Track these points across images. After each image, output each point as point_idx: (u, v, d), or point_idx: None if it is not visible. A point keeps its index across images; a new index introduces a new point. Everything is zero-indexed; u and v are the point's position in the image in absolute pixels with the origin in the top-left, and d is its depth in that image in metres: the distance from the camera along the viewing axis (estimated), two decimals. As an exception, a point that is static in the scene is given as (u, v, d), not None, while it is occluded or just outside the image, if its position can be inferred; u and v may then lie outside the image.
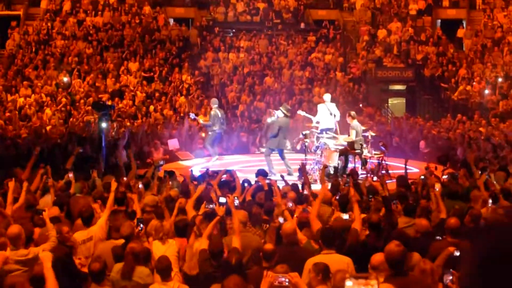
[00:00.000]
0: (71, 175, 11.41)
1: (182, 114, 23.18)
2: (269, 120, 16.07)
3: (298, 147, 17.28)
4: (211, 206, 8.04)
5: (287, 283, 4.97)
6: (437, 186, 9.53)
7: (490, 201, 9.31)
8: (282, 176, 12.46)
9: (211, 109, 18.88)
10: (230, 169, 13.29)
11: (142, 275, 6.67)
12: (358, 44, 28.91)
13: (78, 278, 6.64)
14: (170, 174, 12.56)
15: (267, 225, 8.36)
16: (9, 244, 7.01)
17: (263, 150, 19.54)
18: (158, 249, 7.44)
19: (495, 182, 11.19)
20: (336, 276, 5.69)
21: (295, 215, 8.29)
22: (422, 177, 12.12)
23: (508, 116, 22.24)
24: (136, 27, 28.08)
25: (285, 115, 15.94)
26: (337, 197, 9.99)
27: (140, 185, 10.68)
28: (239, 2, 30.54)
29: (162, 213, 8.78)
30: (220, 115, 18.31)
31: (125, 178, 11.65)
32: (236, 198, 9.11)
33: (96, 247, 7.69)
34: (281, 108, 16.35)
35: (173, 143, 20.24)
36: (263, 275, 5.17)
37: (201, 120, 19.62)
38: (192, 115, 20.57)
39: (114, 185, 8.60)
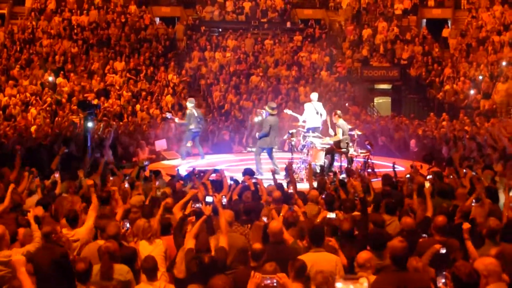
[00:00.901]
0: (57, 175, 11.35)
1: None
2: (256, 119, 16.03)
3: (286, 148, 17.28)
4: (197, 205, 8.00)
5: (274, 284, 4.92)
6: (427, 184, 9.54)
7: (474, 200, 9.35)
8: (273, 174, 12.40)
9: (187, 108, 18.81)
10: (218, 169, 13.27)
11: (122, 272, 6.61)
12: (344, 44, 28.97)
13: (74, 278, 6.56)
14: (156, 173, 12.51)
15: (249, 225, 8.34)
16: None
17: (251, 149, 19.53)
18: (145, 249, 7.40)
19: (482, 179, 11.25)
20: (317, 277, 5.68)
21: (280, 214, 8.25)
22: (408, 175, 12.16)
23: (492, 115, 22.36)
24: (122, 26, 27.98)
25: (272, 114, 15.93)
26: (323, 196, 9.98)
27: (126, 185, 10.64)
28: (227, 1, 30.53)
29: (149, 213, 8.74)
30: (196, 114, 18.24)
31: (111, 178, 11.63)
32: (223, 197, 9.09)
33: (81, 249, 7.64)
34: (266, 107, 16.32)
35: (160, 144, 20.17)
36: (249, 275, 5.14)
37: (176, 119, 19.54)
38: (168, 115, 20.51)
39: (90, 184, 8.55)
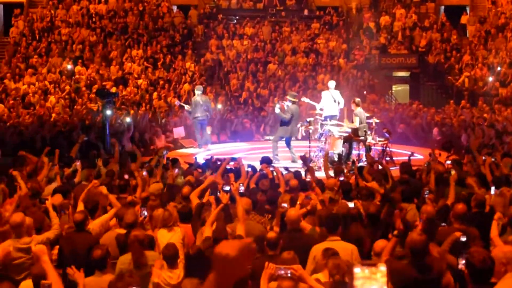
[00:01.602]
0: (78, 163, 11.39)
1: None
2: (276, 110, 16.00)
3: (300, 136, 17.24)
4: (216, 193, 8.02)
5: (289, 275, 4.82)
6: (452, 172, 9.51)
7: (493, 187, 9.26)
8: (286, 168, 12.42)
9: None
10: (235, 157, 13.26)
11: (155, 258, 6.64)
12: (361, 31, 28.77)
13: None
14: (174, 161, 12.54)
15: (270, 215, 8.31)
16: (12, 232, 6.99)
17: (268, 138, 19.50)
18: (164, 236, 7.42)
19: (501, 166, 11.17)
20: (329, 264, 5.66)
21: (298, 202, 8.23)
22: (426, 163, 12.09)
23: (511, 102, 22.15)
24: (140, 14, 27.99)
25: (293, 102, 15.92)
26: (341, 185, 9.94)
27: (145, 173, 10.66)
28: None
29: (167, 201, 8.76)
30: (202, 102, 18.21)
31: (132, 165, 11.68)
32: (241, 185, 9.08)
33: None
34: (288, 96, 16.33)
35: (178, 131, 20.21)
36: (264, 264, 5.09)
37: (186, 106, 19.53)
38: (177, 102, 20.51)
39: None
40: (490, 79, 24.22)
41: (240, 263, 2.48)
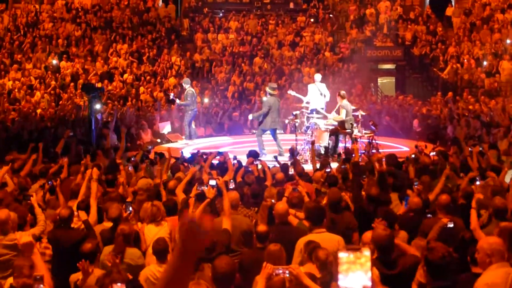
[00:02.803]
0: (65, 159, 11.33)
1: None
2: (250, 117, 16.22)
3: (280, 128, 17.27)
4: (202, 188, 8.00)
5: (287, 275, 4.91)
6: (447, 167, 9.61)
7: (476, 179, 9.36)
8: (275, 157, 12.43)
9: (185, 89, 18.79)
10: (221, 151, 13.25)
11: (133, 257, 6.63)
12: (347, 24, 28.79)
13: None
14: (161, 156, 12.52)
15: (256, 208, 8.32)
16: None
17: (255, 132, 19.51)
18: (150, 231, 7.41)
19: (487, 157, 11.26)
20: (318, 254, 5.67)
21: (285, 196, 8.24)
22: (413, 155, 12.15)
23: (496, 94, 22.26)
24: (125, 9, 27.86)
25: (272, 94, 15.85)
26: (327, 177, 9.97)
27: (130, 168, 10.63)
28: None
29: (154, 196, 8.74)
30: (195, 94, 18.34)
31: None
32: (231, 181, 9.10)
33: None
34: (267, 88, 16.28)
35: (164, 126, 20.19)
36: (254, 257, 5.12)
37: (178, 100, 19.51)
38: (171, 95, 20.50)
39: (95, 173, 8.51)
40: (485, 63, 24.23)
41: (199, 238, 2.50)
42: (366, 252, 2.37)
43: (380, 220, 6.35)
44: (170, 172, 10.95)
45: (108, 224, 7.45)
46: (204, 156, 12.48)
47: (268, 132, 16.05)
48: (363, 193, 8.42)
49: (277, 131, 16.29)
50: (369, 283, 2.34)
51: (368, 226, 6.70)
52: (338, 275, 2.35)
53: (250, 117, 16.75)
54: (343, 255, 2.36)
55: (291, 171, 10.71)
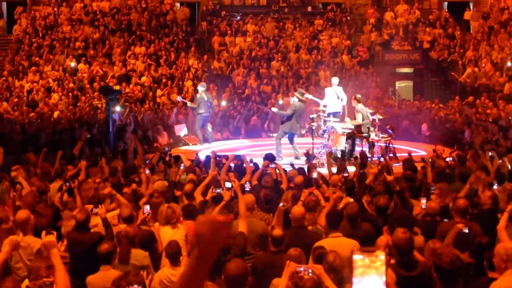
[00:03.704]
0: (83, 162, 11.37)
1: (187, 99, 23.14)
2: (273, 109, 16.19)
3: (303, 131, 17.23)
4: (218, 190, 8.03)
5: (310, 274, 4.94)
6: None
7: (495, 183, 9.31)
8: (292, 164, 12.43)
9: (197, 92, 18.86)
10: (239, 154, 13.27)
11: (138, 258, 6.67)
12: (364, 27, 28.74)
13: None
14: (176, 159, 12.57)
15: (271, 214, 8.30)
16: (17, 229, 7.01)
17: (272, 135, 19.53)
18: (167, 233, 7.44)
19: (508, 165, 11.20)
20: (328, 257, 5.67)
21: (301, 199, 8.25)
22: (430, 159, 12.10)
23: (515, 98, 22.13)
24: (142, 12, 27.99)
25: (300, 100, 15.90)
26: (344, 182, 9.95)
27: (147, 171, 10.68)
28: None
29: (170, 198, 8.78)
30: (206, 99, 18.34)
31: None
32: (248, 182, 9.12)
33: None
34: (296, 93, 16.35)
35: (180, 129, 20.24)
36: (269, 260, 5.13)
37: (188, 103, 19.58)
38: (179, 98, 20.58)
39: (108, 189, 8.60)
40: (509, 64, 24.04)
41: (214, 241, 2.55)
42: (381, 256, 2.37)
43: (386, 228, 6.32)
44: (186, 175, 10.99)
45: (123, 226, 7.49)
46: (218, 159, 12.50)
47: (287, 135, 16.07)
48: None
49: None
50: (384, 287, 2.34)
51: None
52: (353, 278, 2.35)
53: (274, 110, 16.75)
54: (357, 258, 2.36)
55: (314, 175, 10.69)
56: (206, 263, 2.54)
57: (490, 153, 11.88)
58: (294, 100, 16.00)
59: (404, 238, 5.68)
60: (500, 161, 11.38)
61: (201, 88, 18.64)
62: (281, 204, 7.87)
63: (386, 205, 7.83)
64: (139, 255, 6.71)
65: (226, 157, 13.37)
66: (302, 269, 4.94)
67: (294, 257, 5.59)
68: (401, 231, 5.84)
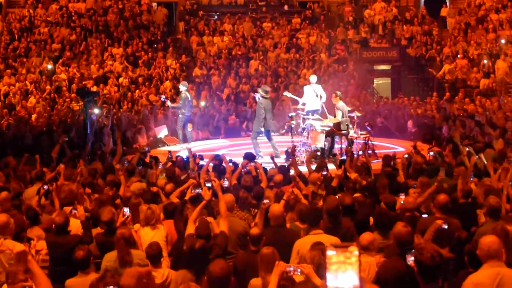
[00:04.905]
0: (62, 166, 11.30)
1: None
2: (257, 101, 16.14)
3: (283, 131, 17.22)
4: (197, 190, 8.01)
5: (298, 273, 5.00)
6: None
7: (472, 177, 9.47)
8: (272, 158, 12.41)
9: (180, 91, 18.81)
10: (218, 154, 13.26)
11: (141, 257, 6.61)
12: (342, 25, 28.83)
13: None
14: (156, 159, 12.55)
15: (256, 210, 8.31)
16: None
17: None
18: (147, 234, 7.42)
19: (483, 159, 11.31)
20: (313, 255, 5.68)
21: (283, 198, 8.26)
22: (406, 155, 12.18)
23: (492, 94, 22.31)
24: (119, 12, 27.86)
25: (264, 97, 15.85)
26: (324, 179, 9.99)
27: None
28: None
29: (150, 199, 8.74)
30: (190, 98, 18.31)
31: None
32: (225, 179, 9.11)
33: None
34: (259, 90, 16.26)
35: (161, 130, 20.18)
36: (249, 259, 5.14)
37: (169, 102, 19.53)
38: (162, 97, 20.53)
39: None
40: (485, 61, 24.24)
41: None
42: (356, 252, 2.38)
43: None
44: (166, 176, 10.95)
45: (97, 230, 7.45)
46: (200, 159, 12.48)
47: (263, 134, 16.05)
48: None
49: (272, 134, 16.31)
50: (359, 283, 2.36)
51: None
52: (327, 274, 2.36)
53: (256, 128, 16.38)
54: (331, 253, 2.37)
55: (291, 173, 10.71)
56: None
57: (467, 149, 11.99)
58: (258, 97, 15.94)
59: (405, 232, 5.84)
60: (477, 156, 11.49)
61: (183, 87, 18.58)
62: (265, 201, 7.86)
63: (352, 204, 7.75)
64: (141, 255, 6.67)
65: (201, 157, 13.36)
66: (291, 268, 5.00)
67: (267, 255, 5.58)
68: (402, 224, 5.92)
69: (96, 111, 16.71)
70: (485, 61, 24.26)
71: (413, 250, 5.29)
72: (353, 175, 10.13)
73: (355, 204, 7.76)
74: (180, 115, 18.43)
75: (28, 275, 5.07)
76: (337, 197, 7.98)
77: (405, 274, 5.44)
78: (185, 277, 6.00)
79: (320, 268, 5.52)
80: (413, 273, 5.26)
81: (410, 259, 5.30)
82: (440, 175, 10.24)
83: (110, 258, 6.60)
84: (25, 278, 5.09)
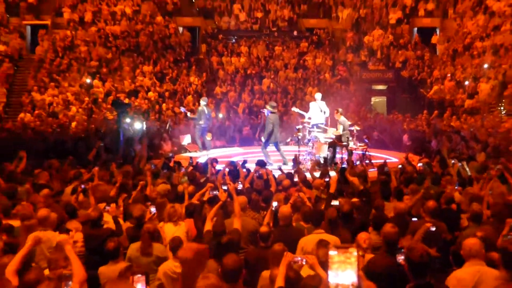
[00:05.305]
0: (96, 169, 11.35)
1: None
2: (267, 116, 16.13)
3: (288, 140, 17.17)
4: (214, 192, 8.03)
5: (304, 263, 5.01)
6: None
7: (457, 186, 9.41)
8: (280, 168, 12.42)
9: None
10: (233, 161, 13.28)
11: (161, 250, 6.67)
12: (344, 49, 28.84)
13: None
14: (179, 164, 12.58)
15: (265, 212, 8.31)
16: (39, 226, 6.98)
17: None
18: (170, 230, 7.44)
19: (467, 170, 11.27)
20: (318, 252, 5.67)
21: (290, 201, 8.26)
22: (400, 166, 12.15)
23: (476, 112, 22.21)
24: (150, 35, 28.03)
25: (272, 112, 15.83)
26: (327, 185, 9.96)
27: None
28: (241, 12, 30.47)
29: (173, 199, 8.77)
30: (206, 112, 18.31)
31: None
32: (239, 183, 9.13)
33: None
34: (267, 106, 16.22)
35: (185, 138, 20.25)
36: (259, 254, 5.14)
37: (188, 113, 19.58)
38: (182, 109, 20.57)
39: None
40: (466, 82, 24.15)
41: (196, 263, 2.58)
42: (355, 252, 2.39)
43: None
44: (187, 179, 10.97)
45: (127, 224, 7.51)
46: (216, 164, 12.50)
47: (272, 144, 16.05)
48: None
49: (280, 144, 16.31)
50: (357, 280, 2.36)
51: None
52: (328, 272, 2.37)
53: (263, 139, 16.37)
54: (333, 253, 2.38)
55: (296, 178, 10.71)
56: (190, 281, 2.56)
57: (452, 161, 11.94)
58: (267, 113, 15.90)
59: (393, 232, 5.80)
60: (460, 164, 11.46)
61: (203, 102, 18.63)
62: (275, 204, 7.87)
63: (350, 210, 7.66)
64: (161, 248, 6.71)
65: (216, 161, 13.37)
66: (298, 258, 5.01)
67: (278, 251, 5.59)
68: (390, 225, 5.90)
69: (128, 120, 16.77)
70: (467, 82, 24.17)
71: (402, 250, 5.26)
72: (352, 179, 10.12)
73: (353, 211, 7.74)
74: (197, 126, 18.48)
75: (68, 261, 5.10)
76: (337, 202, 7.96)
77: (392, 268, 5.43)
78: (211, 266, 6.01)
79: (323, 265, 5.53)
80: (400, 268, 5.25)
81: (400, 258, 5.28)
82: (427, 183, 10.20)
83: (134, 247, 6.66)
84: (65, 265, 5.12)
